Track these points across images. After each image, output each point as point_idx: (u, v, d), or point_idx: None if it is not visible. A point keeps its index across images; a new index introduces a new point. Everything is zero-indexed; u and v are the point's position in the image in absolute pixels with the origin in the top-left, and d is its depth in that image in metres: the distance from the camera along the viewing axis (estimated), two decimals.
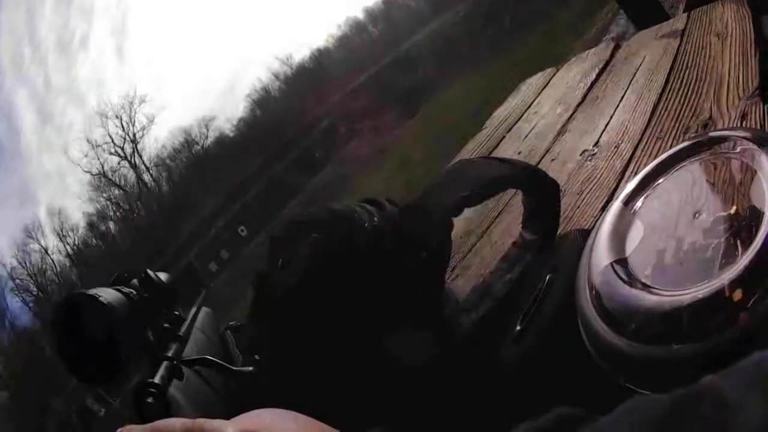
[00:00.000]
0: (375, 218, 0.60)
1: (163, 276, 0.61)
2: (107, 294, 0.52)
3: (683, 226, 0.48)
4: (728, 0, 1.32)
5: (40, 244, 17.25)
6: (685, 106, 1.05)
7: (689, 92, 1.08)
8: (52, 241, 17.57)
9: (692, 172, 0.52)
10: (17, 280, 16.22)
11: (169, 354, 0.56)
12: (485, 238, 1.06)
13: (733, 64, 1.05)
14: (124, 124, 19.03)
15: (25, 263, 16.64)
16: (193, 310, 0.69)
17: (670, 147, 0.96)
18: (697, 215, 0.47)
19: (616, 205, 0.55)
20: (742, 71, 1.01)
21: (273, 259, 0.63)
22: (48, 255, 17.18)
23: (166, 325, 0.60)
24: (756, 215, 0.44)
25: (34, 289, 16.48)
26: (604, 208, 0.88)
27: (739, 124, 0.88)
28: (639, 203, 0.53)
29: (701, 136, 0.54)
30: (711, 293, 0.40)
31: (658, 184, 0.54)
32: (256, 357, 0.61)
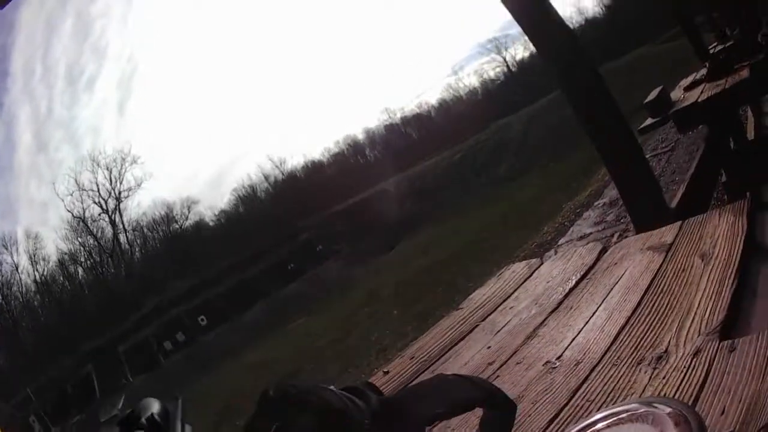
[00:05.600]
0: (366, 420, 0.67)
1: (159, 414, 0.73)
2: None
3: None
4: (726, 211, 1.36)
5: (12, 259, 17.10)
6: (647, 334, 1.09)
7: (655, 321, 1.12)
8: (24, 260, 17.51)
9: None
10: None
11: None
12: (444, 424, 1.08)
13: (707, 294, 1.10)
14: (113, 178, 19.29)
15: None
16: (179, 426, 0.77)
17: (621, 376, 1.02)
18: None
19: None
20: (712, 302, 1.06)
21: (263, 417, 0.65)
22: (17, 272, 17.08)
23: None
24: None
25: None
26: (552, 421, 0.96)
27: (690, 361, 0.93)
28: None
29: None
30: None
31: None
32: None
